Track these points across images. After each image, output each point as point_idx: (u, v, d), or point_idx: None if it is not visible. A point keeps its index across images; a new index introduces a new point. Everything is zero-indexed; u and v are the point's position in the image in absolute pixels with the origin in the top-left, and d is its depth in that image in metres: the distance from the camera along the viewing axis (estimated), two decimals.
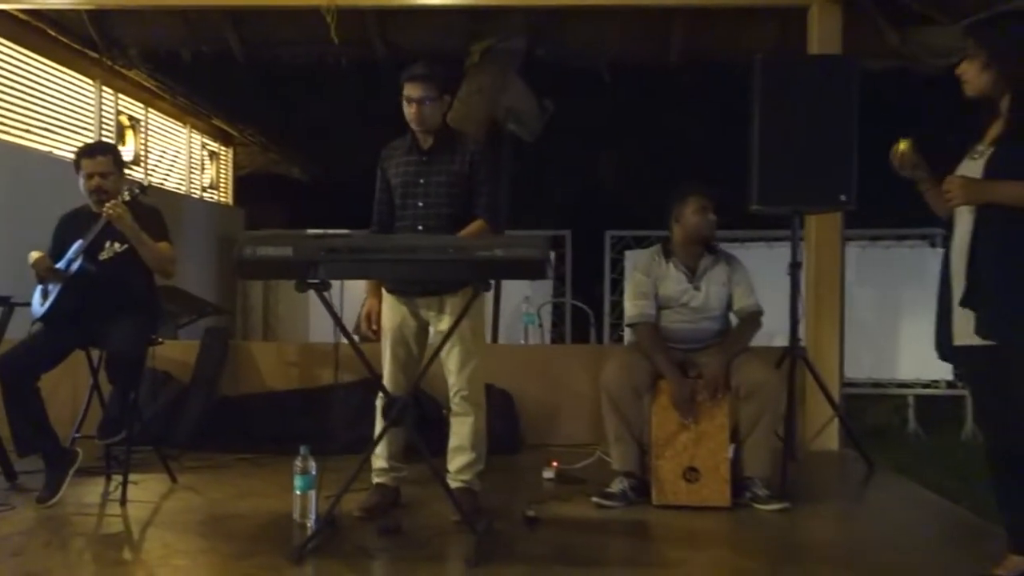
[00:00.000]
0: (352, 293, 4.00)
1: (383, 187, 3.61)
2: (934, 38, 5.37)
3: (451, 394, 3.52)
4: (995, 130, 2.69)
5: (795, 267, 4.44)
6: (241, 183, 10.80)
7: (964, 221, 2.67)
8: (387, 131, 3.71)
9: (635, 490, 3.74)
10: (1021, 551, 2.71)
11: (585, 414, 4.97)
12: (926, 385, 7.21)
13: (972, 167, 2.68)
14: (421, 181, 3.49)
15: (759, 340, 4.23)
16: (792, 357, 4.39)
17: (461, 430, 3.52)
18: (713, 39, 5.84)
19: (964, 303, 2.62)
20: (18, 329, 4.02)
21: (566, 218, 8.78)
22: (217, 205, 10.02)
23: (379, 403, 3.47)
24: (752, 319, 3.87)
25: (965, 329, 2.65)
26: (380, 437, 3.38)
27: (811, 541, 3.43)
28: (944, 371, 6.97)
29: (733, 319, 3.95)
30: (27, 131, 6.54)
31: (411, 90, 3.46)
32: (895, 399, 7.47)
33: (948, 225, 2.77)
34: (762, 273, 5.52)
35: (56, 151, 6.75)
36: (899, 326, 7.30)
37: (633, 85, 8.25)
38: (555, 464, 4.29)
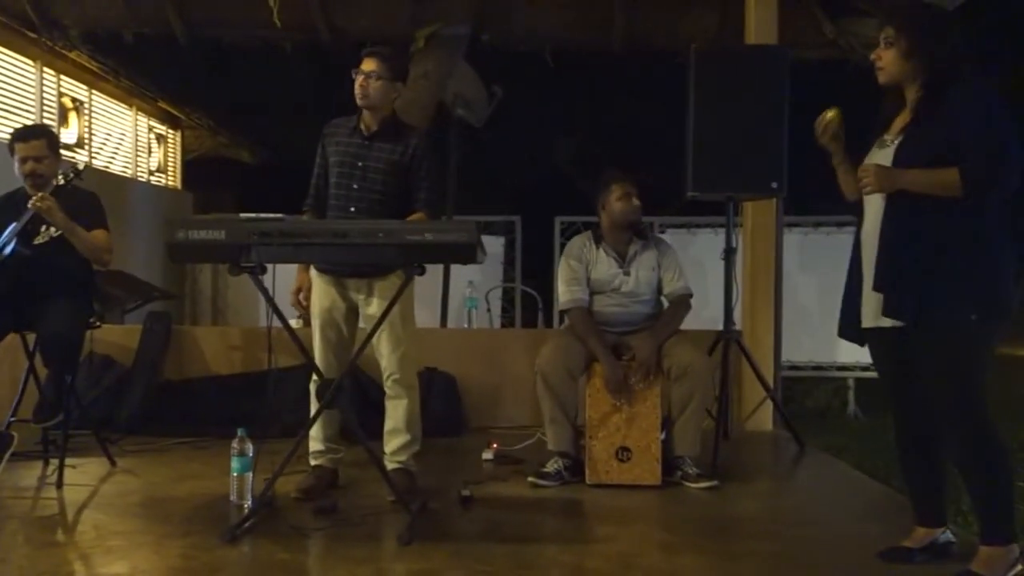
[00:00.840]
0: (286, 277, 4.00)
1: (321, 163, 3.64)
2: (868, 30, 5.51)
3: (384, 377, 3.58)
4: (902, 120, 2.76)
5: (729, 252, 4.56)
6: (190, 167, 10.67)
7: (875, 208, 2.75)
8: (336, 115, 3.73)
9: (569, 470, 3.83)
10: (926, 524, 2.85)
11: (527, 397, 5.03)
12: (865, 368, 7.39)
13: (881, 156, 2.75)
14: (360, 164, 3.52)
15: (701, 323, 4.34)
16: (726, 340, 4.52)
17: (395, 413, 3.58)
18: (654, 27, 5.94)
19: (876, 287, 2.70)
20: None
21: (516, 203, 8.83)
22: (165, 189, 9.90)
23: (312, 386, 3.52)
24: (682, 302, 3.98)
25: (876, 311, 2.73)
26: (315, 419, 3.42)
27: (736, 516, 3.54)
28: None
29: (665, 302, 4.04)
30: None
31: (363, 63, 3.51)
32: (835, 382, 7.67)
33: (856, 209, 2.85)
34: (707, 259, 5.66)
35: None
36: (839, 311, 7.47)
37: (582, 71, 8.32)
38: (495, 445, 4.37)
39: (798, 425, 4.90)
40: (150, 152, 9.65)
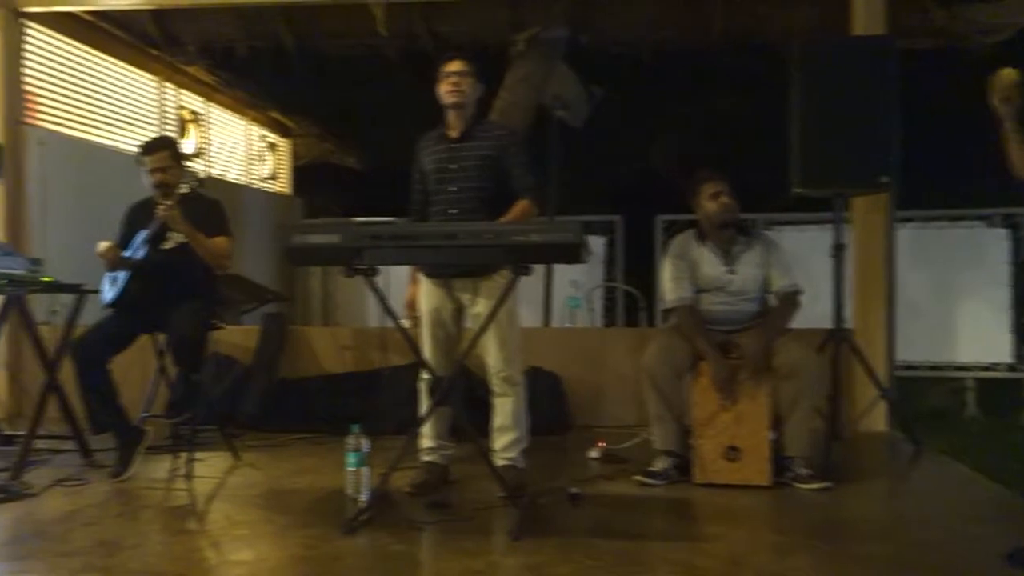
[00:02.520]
0: (398, 279, 4.15)
1: (418, 177, 3.76)
2: (982, 15, 5.30)
3: (491, 375, 3.65)
4: None
5: (838, 249, 4.47)
6: (299, 173, 11.05)
7: None
8: (438, 120, 3.81)
9: (677, 469, 3.82)
10: None
11: (631, 396, 5.05)
12: (985, 368, 7.11)
13: None
14: (453, 166, 3.62)
15: (810, 322, 4.25)
16: (837, 339, 4.42)
17: (503, 410, 3.65)
18: (753, 20, 5.85)
19: None
20: (89, 315, 4.26)
21: (617, 203, 8.83)
22: (276, 195, 10.28)
23: (422, 384, 3.62)
24: (790, 299, 3.91)
25: None
26: (427, 417, 3.52)
27: (849, 518, 3.47)
28: (1004, 354, 6.90)
29: (772, 300, 3.99)
30: (94, 127, 6.84)
31: (451, 65, 3.62)
32: (953, 382, 7.40)
33: None
34: (813, 256, 5.55)
35: (121, 145, 7.04)
36: (957, 309, 7.23)
37: (682, 68, 8.24)
38: (601, 444, 4.39)
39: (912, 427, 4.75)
40: (262, 160, 10.05)
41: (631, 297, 7.96)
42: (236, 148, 9.43)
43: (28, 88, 6.04)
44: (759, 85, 8.76)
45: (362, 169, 11.89)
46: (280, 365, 5.41)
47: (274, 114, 9.98)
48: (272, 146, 10.31)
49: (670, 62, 7.18)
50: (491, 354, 3.60)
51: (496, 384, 3.64)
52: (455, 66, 3.61)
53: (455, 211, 3.59)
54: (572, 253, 3.04)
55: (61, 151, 6.13)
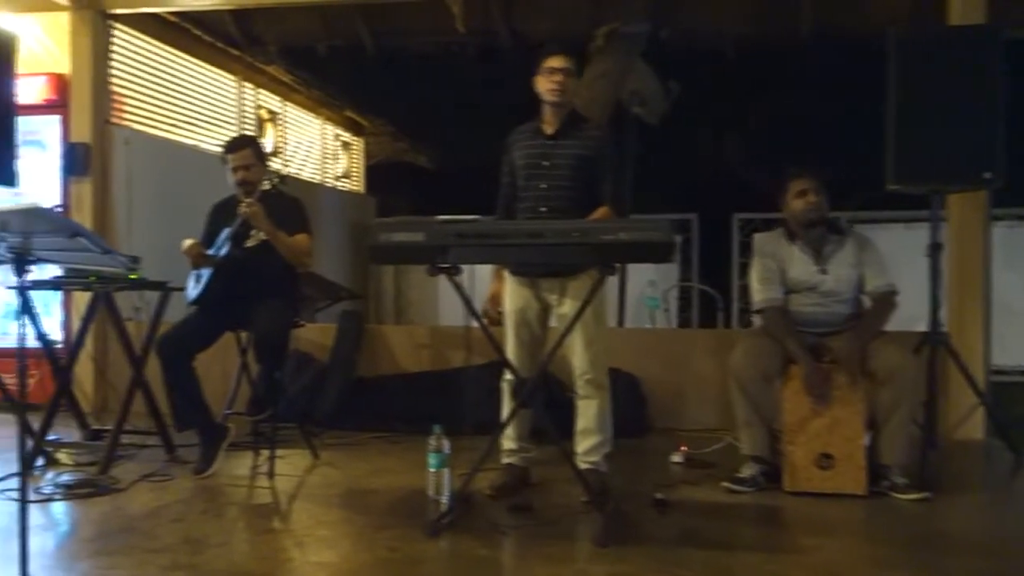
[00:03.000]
0: (483, 279, 4.09)
1: (508, 171, 3.68)
2: None
3: (575, 377, 3.57)
4: None
5: (935, 249, 4.27)
6: (372, 172, 11.14)
7: None
8: (511, 119, 3.77)
9: (766, 475, 3.69)
10: None
11: (712, 399, 4.94)
12: None
13: None
14: (546, 163, 3.54)
15: (900, 325, 4.08)
16: (932, 343, 4.23)
17: (587, 412, 3.57)
18: (845, 11, 5.64)
19: None
20: (174, 312, 4.32)
21: (693, 201, 8.67)
22: (350, 193, 10.37)
23: (505, 385, 3.56)
24: (885, 300, 3.74)
25: None
26: (510, 418, 3.46)
27: (950, 531, 3.31)
28: None
29: (866, 301, 3.82)
30: (175, 126, 6.97)
31: (555, 61, 3.53)
32: None
33: None
34: (900, 256, 5.34)
35: (202, 144, 7.16)
36: None
37: (760, 63, 8.06)
38: (684, 448, 4.28)
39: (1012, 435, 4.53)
40: (336, 158, 10.15)
41: (706, 297, 7.81)
42: (312, 147, 9.53)
43: (114, 88, 6.17)
44: (842, 80, 8.50)
45: (434, 168, 11.92)
46: (357, 363, 5.41)
47: (349, 113, 10.06)
48: (346, 145, 10.40)
49: (750, 56, 7.02)
50: (577, 355, 3.52)
51: (581, 386, 3.56)
52: (559, 62, 3.52)
53: (544, 208, 3.51)
54: (662, 252, 2.95)
55: (146, 150, 6.25)
